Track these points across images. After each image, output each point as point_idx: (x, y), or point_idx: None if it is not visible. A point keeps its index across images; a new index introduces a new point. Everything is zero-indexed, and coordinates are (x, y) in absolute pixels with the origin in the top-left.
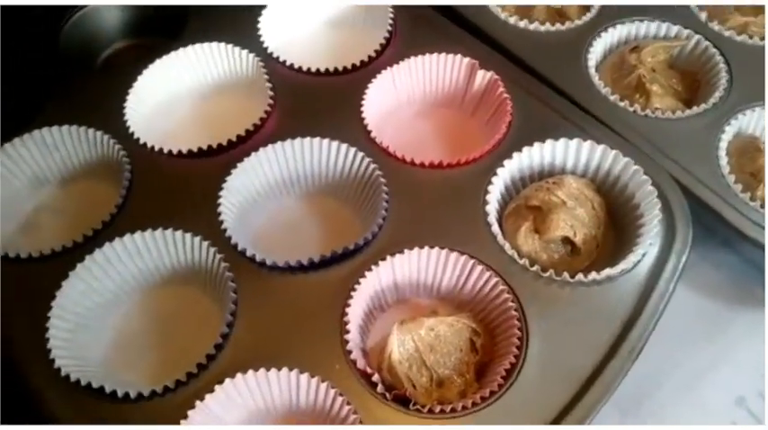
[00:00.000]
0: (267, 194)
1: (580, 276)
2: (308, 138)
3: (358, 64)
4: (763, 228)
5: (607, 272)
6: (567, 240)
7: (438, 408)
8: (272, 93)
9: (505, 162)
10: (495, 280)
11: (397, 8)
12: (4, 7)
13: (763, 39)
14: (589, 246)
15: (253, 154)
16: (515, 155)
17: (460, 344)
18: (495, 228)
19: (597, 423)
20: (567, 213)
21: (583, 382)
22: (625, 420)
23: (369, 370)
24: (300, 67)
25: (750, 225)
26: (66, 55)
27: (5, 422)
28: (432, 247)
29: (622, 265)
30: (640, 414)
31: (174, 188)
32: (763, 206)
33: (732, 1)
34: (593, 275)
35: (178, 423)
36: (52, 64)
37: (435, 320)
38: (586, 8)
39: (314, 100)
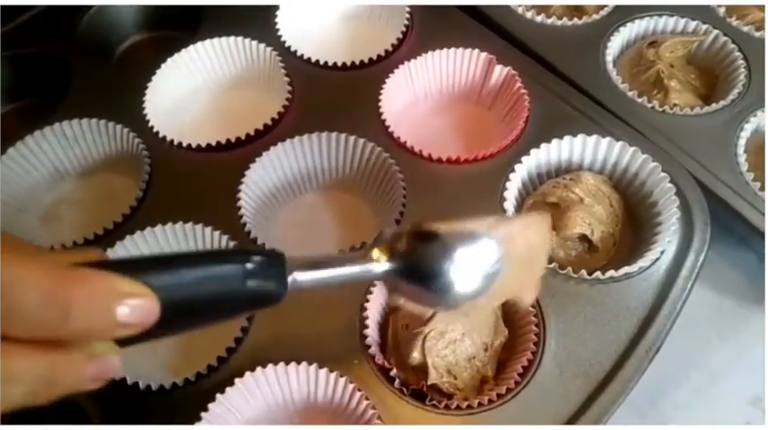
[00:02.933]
0: (285, 189)
1: (598, 274)
2: (325, 133)
3: (375, 58)
4: None
5: (625, 269)
6: (584, 238)
7: (455, 404)
8: (289, 87)
9: (523, 158)
10: None
11: (412, 1)
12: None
13: None
14: (606, 243)
15: (272, 148)
16: (533, 151)
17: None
18: None
19: (612, 422)
20: (584, 211)
21: (600, 380)
22: (640, 419)
23: (387, 365)
24: (318, 61)
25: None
26: (85, 48)
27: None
28: None
29: (640, 263)
30: (655, 413)
31: (193, 181)
32: None
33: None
34: (610, 273)
35: (199, 415)
36: (70, 58)
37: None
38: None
39: (331, 94)
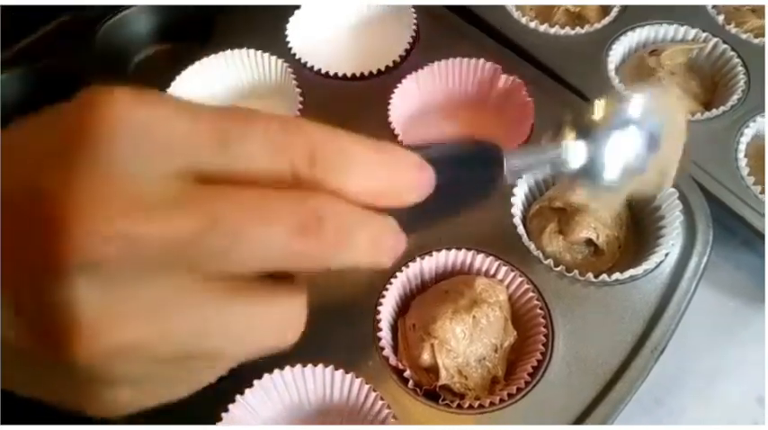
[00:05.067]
0: None
1: (604, 276)
2: None
3: (383, 69)
4: None
5: (630, 272)
6: (590, 242)
7: (467, 404)
8: (301, 98)
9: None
10: (520, 279)
11: (420, 12)
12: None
13: None
14: (612, 247)
15: None
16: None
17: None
18: (521, 229)
19: (620, 420)
20: (590, 215)
21: (607, 380)
22: (647, 417)
23: (401, 366)
24: (327, 72)
25: None
26: (101, 61)
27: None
28: (459, 249)
29: (645, 266)
30: (662, 411)
31: None
32: None
33: (746, 1)
34: (616, 275)
35: (220, 416)
36: (88, 70)
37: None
38: (605, 11)
39: (341, 104)
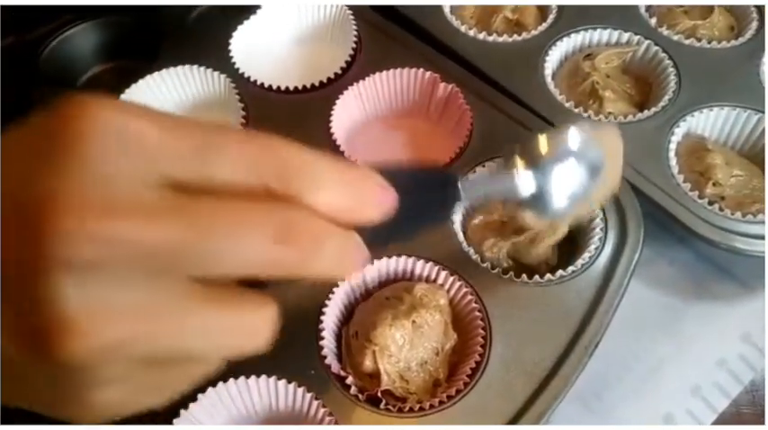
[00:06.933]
0: None
1: (536, 277)
2: None
3: (325, 81)
4: (712, 225)
5: (560, 272)
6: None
7: (407, 407)
8: (243, 112)
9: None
10: (459, 283)
11: (361, 24)
12: None
13: (710, 42)
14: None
15: None
16: (478, 169)
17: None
18: (461, 236)
19: (560, 416)
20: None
21: (543, 378)
22: (587, 412)
23: (342, 373)
24: (270, 86)
25: (700, 222)
26: (48, 80)
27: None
28: (399, 256)
29: (572, 268)
30: (601, 405)
31: None
32: (711, 204)
33: (683, 0)
34: (548, 276)
35: None
36: (34, 89)
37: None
38: (543, 18)
39: (284, 117)
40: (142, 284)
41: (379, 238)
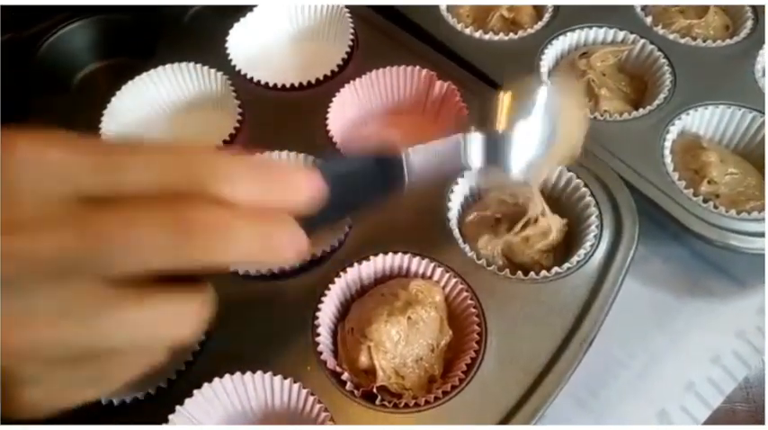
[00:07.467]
0: None
1: (532, 274)
2: (275, 152)
3: (322, 78)
4: (707, 222)
5: (555, 269)
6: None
7: (402, 403)
8: (240, 110)
9: (466, 173)
10: (454, 280)
11: (357, 21)
12: None
13: (705, 40)
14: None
15: None
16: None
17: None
18: (456, 233)
19: (555, 414)
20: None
21: (538, 374)
22: (582, 409)
23: (338, 369)
24: (267, 83)
25: (694, 220)
26: (44, 78)
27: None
28: (395, 253)
29: (567, 265)
30: (596, 402)
31: None
32: (705, 201)
33: (678, 0)
34: (543, 273)
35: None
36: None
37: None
38: (539, 17)
39: (281, 115)
40: (50, 291)
41: (325, 221)
